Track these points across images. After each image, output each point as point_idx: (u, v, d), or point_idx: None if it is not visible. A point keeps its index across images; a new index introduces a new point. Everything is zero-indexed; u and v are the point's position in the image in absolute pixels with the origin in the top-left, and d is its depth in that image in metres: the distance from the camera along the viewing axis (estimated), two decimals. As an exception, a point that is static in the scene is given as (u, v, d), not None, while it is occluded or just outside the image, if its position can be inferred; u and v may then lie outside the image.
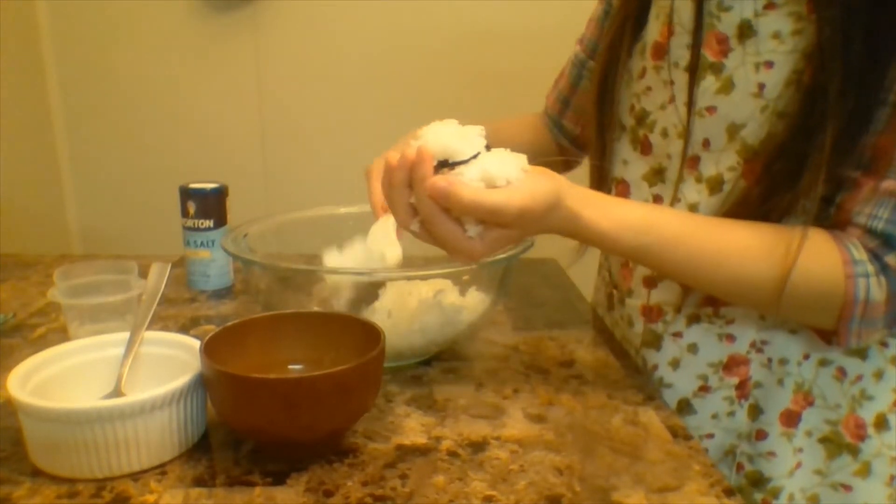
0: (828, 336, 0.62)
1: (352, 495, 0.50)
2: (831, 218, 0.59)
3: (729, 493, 0.51)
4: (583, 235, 0.59)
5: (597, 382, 0.69)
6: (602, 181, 0.77)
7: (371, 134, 1.32)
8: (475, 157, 0.57)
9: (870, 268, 0.57)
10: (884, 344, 0.64)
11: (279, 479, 0.52)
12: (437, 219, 0.55)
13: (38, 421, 0.51)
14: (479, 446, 0.57)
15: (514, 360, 0.74)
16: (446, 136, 0.58)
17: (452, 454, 0.56)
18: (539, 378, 0.69)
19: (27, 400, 0.50)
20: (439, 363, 0.72)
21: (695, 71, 0.63)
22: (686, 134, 0.64)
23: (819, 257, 0.57)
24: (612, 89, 0.74)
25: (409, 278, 0.74)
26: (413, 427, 0.60)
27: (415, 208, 0.56)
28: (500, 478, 0.53)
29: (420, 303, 0.72)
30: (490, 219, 0.55)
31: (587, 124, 0.79)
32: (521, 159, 0.58)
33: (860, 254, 0.57)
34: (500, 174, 0.56)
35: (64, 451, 0.50)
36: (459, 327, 0.72)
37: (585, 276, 0.95)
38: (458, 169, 0.56)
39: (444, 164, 0.57)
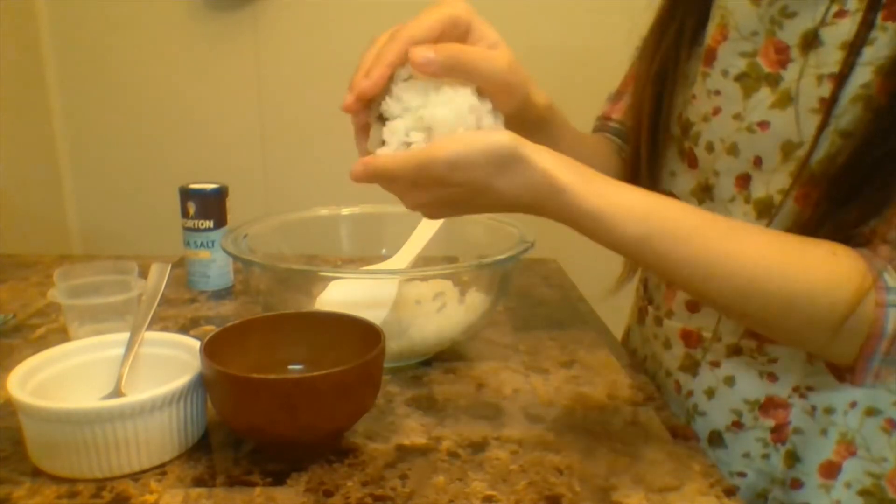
0: (840, 372, 0.57)
1: (352, 495, 0.50)
2: (856, 236, 0.52)
3: (729, 492, 0.51)
4: (569, 214, 0.50)
5: (597, 382, 0.69)
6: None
7: (371, 134, 1.33)
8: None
9: None
10: None
11: (279, 479, 0.52)
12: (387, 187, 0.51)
13: (38, 421, 0.51)
14: (479, 446, 0.57)
15: (514, 360, 0.74)
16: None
17: (452, 454, 0.56)
18: (539, 378, 0.69)
19: (27, 400, 0.50)
20: (439, 363, 0.72)
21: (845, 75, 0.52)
22: (810, 148, 0.54)
23: (848, 280, 0.50)
24: (670, 94, 0.67)
25: (409, 278, 0.74)
26: (413, 427, 0.60)
27: None
28: (500, 478, 0.53)
29: (420, 303, 0.72)
30: (423, 181, 0.48)
31: (635, 130, 0.71)
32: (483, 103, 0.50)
33: (893, 280, 0.50)
34: (444, 119, 0.48)
35: (64, 451, 0.50)
36: (459, 328, 0.72)
37: (586, 276, 0.95)
38: (388, 124, 0.49)
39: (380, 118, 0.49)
